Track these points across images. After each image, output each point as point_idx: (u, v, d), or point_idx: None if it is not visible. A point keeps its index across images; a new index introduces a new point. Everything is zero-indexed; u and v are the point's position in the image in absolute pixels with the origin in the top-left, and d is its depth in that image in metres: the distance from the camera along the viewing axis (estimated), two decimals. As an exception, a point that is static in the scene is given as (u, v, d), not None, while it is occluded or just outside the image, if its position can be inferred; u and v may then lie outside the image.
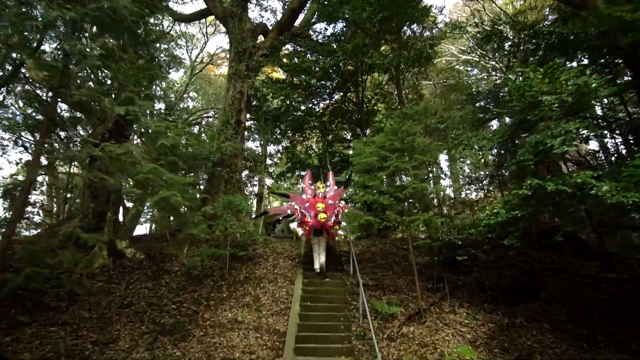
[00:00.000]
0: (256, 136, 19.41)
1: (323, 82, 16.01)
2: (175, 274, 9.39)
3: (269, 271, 9.90)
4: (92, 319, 7.13)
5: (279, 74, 17.96)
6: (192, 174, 13.79)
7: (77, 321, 6.84)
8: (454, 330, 7.53)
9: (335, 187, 10.78)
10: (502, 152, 9.79)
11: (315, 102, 16.82)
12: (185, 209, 7.30)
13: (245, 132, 16.10)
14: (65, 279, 7.83)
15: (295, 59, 14.96)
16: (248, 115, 16.80)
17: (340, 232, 11.49)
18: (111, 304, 7.81)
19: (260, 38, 15.79)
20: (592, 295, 8.27)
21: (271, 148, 19.84)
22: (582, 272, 9.35)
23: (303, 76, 16.11)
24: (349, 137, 17.57)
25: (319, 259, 9.69)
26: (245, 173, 15.86)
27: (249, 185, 16.43)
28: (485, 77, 19.39)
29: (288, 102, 15.78)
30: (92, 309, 7.43)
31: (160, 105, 13.21)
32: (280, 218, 14.46)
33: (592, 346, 6.58)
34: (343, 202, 11.65)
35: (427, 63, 15.62)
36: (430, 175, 11.19)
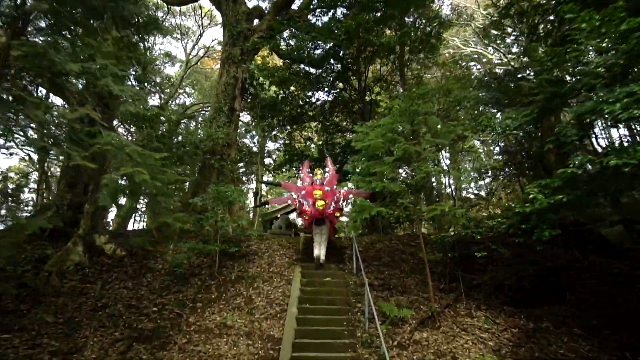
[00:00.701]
0: (253, 131, 18.50)
1: (322, 70, 15.12)
2: (160, 272, 8.43)
3: (264, 270, 8.95)
4: (57, 324, 6.17)
5: (277, 61, 16.98)
6: (185, 166, 12.88)
7: (37, 327, 5.88)
8: (473, 337, 6.60)
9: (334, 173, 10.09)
10: (524, 135, 8.92)
11: (315, 92, 15.88)
12: (158, 192, 6.27)
13: (240, 122, 15.15)
14: (30, 278, 6.87)
15: (293, 41, 14.01)
16: (243, 105, 15.89)
17: (342, 218, 10.57)
18: (82, 307, 6.85)
19: (256, 22, 14.85)
20: (626, 296, 7.36)
21: (269, 145, 18.98)
22: (610, 270, 8.44)
23: (302, 65, 15.24)
24: (350, 129, 16.66)
25: (320, 250, 9.07)
26: (240, 165, 14.89)
27: (244, 178, 15.45)
28: (489, 70, 18.52)
29: (285, 91, 14.86)
30: (59, 312, 6.48)
31: (154, 102, 12.21)
32: (279, 215, 13.66)
33: (638, 357, 5.67)
34: (352, 186, 10.76)
35: (433, 50, 14.71)
36: (442, 163, 10.28)
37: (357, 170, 9.27)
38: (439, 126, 7.22)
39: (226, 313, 7.25)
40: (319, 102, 15.97)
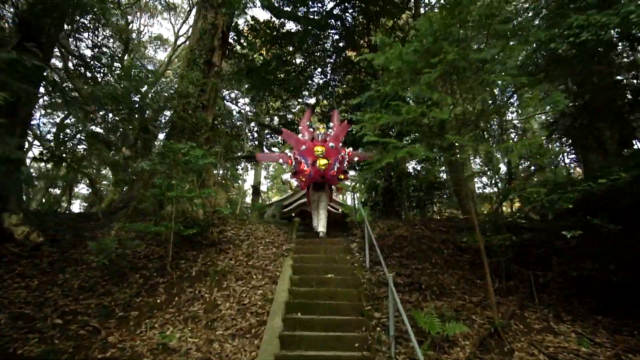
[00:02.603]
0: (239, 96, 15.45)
1: (323, 31, 12.56)
2: (88, 265, 5.86)
3: (240, 263, 6.37)
4: None
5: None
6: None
7: None
8: (571, 370, 3.99)
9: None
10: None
11: (316, 55, 13.26)
12: None
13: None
14: None
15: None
16: (228, 69, 13.36)
17: (347, 182, 8.28)
18: (-64, 318, 4.30)
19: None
20: None
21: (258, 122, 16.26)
22: None
23: (299, 26, 12.72)
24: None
25: (320, 221, 7.71)
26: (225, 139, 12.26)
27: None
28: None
29: (278, 52, 12.29)
30: None
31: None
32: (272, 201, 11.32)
33: None
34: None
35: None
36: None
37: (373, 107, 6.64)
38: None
39: (172, 327, 4.68)
40: (321, 66, 13.32)
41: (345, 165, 7.77)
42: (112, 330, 4.56)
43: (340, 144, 7.81)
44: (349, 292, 5.37)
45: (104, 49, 10.15)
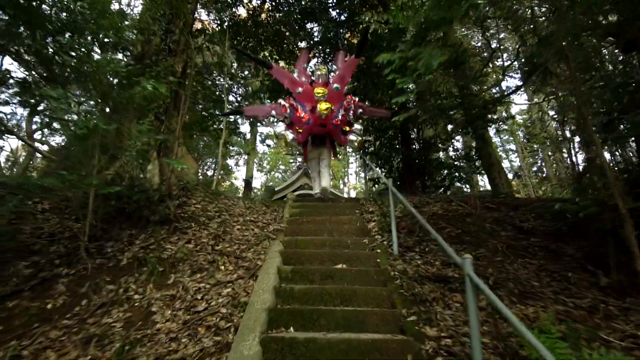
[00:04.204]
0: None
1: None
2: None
3: (203, 247, 4.19)
4: None
5: None
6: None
7: None
8: None
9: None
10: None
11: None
12: None
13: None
14: None
15: None
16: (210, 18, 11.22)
17: (351, 137, 6.37)
18: None
19: None
20: None
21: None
22: None
23: None
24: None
25: (320, 181, 6.40)
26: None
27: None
28: None
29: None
30: None
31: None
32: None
33: None
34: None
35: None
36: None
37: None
38: None
39: (56, 357, 2.49)
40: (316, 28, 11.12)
41: (351, 114, 6.12)
42: None
43: (346, 89, 6.02)
44: (374, 292, 3.23)
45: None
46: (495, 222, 5.14)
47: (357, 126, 6.36)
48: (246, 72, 13.65)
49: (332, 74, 6.28)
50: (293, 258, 4.01)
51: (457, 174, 7.74)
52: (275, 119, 6.76)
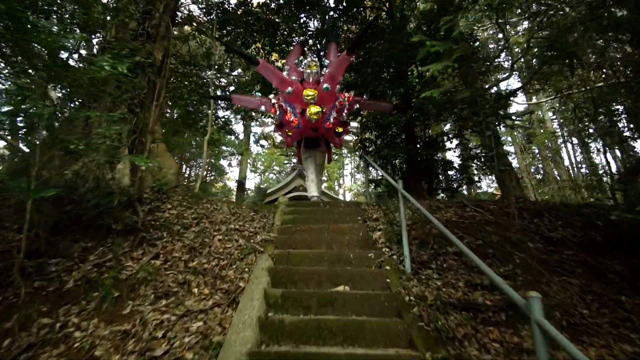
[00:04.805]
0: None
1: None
2: None
3: (173, 264, 3.43)
4: None
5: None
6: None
7: None
8: None
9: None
10: None
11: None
12: None
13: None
14: None
15: None
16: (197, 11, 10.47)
17: (347, 137, 5.76)
18: None
19: None
20: None
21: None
22: None
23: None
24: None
25: (315, 185, 6.01)
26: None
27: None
28: None
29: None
30: None
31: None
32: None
33: None
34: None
35: None
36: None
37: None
38: None
39: None
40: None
41: (344, 114, 5.66)
42: None
43: (338, 87, 5.41)
44: (387, 326, 2.51)
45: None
46: (520, 231, 4.44)
47: (353, 124, 5.79)
48: (238, 70, 12.85)
49: (325, 69, 5.67)
50: (284, 277, 3.27)
51: (466, 175, 7.06)
52: (267, 118, 6.12)
